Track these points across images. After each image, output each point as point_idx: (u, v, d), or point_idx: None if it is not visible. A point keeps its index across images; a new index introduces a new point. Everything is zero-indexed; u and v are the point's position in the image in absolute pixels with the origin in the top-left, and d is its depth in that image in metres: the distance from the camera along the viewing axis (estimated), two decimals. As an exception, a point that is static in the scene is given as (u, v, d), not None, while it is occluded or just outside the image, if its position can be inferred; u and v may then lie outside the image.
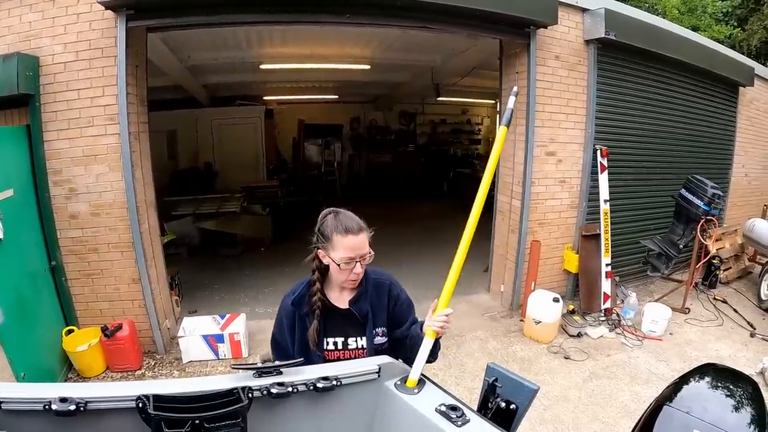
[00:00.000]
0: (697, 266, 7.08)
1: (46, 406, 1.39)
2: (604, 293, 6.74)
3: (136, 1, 4.54)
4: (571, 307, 6.52)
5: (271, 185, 12.53)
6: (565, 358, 5.64)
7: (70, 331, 5.03)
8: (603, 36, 6.25)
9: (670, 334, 6.28)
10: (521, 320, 6.38)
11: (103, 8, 4.55)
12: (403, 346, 2.30)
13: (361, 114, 16.73)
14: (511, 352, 5.75)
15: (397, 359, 2.13)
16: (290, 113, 15.28)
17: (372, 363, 1.95)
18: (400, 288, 2.43)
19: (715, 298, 7.44)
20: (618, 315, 6.61)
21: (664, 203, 7.71)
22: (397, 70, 10.33)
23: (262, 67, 9.05)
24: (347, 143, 16.80)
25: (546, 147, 6.41)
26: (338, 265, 2.14)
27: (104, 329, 4.97)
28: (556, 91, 6.34)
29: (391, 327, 2.37)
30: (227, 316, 5.65)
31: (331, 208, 2.28)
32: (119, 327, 5.03)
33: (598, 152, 6.68)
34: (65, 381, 4.95)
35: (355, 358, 2.28)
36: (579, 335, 6.13)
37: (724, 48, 9.21)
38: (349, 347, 2.33)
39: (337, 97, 14.51)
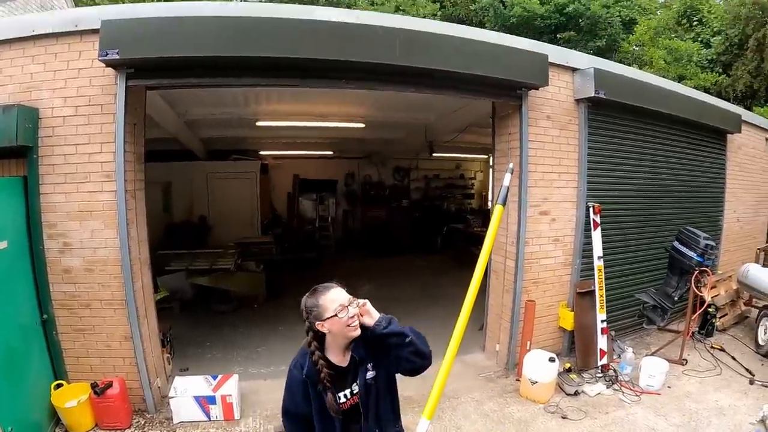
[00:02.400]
0: (693, 317, 7.02)
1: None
2: (601, 349, 6.68)
3: (136, 61, 4.61)
4: (568, 365, 6.48)
5: (265, 241, 12.55)
6: (563, 417, 5.54)
7: (59, 386, 4.94)
8: (593, 95, 6.37)
9: (668, 387, 6.21)
10: (517, 380, 6.27)
11: (104, 65, 4.63)
12: (397, 361, 2.57)
13: (355, 169, 16.90)
14: (507, 414, 5.64)
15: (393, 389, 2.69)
16: (285, 168, 15.46)
17: None
18: None
19: (712, 347, 7.40)
20: (615, 371, 6.53)
21: (657, 255, 7.74)
22: (392, 128, 10.49)
23: (259, 124, 9.18)
24: (342, 198, 16.93)
25: (539, 206, 6.47)
26: (336, 315, 2.45)
27: (94, 386, 4.88)
28: (548, 150, 6.44)
29: (381, 364, 2.65)
30: (219, 377, 5.55)
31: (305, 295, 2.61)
32: (109, 384, 4.93)
33: (591, 209, 6.72)
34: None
35: (358, 401, 2.62)
36: (576, 393, 6.05)
37: (711, 97, 9.41)
38: (354, 392, 2.63)
39: (332, 152, 14.73)
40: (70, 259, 4.93)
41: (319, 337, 2.58)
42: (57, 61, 4.77)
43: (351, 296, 2.53)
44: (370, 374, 2.63)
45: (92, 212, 4.88)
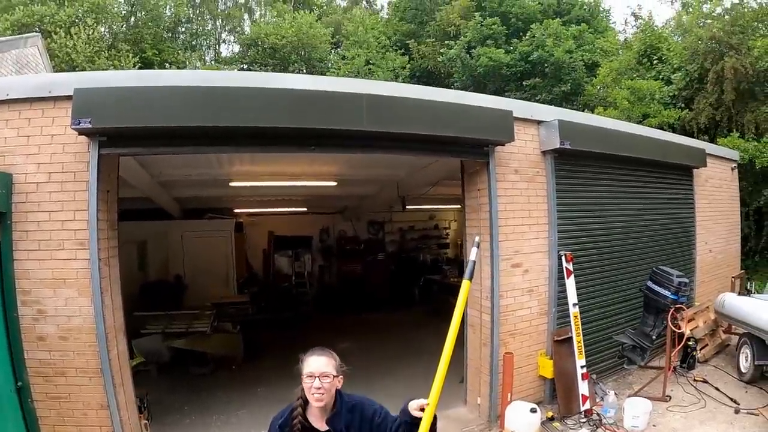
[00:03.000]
0: (674, 352, 7.13)
1: None
2: (582, 395, 6.70)
3: (109, 130, 4.65)
4: (550, 413, 6.51)
5: (241, 301, 12.46)
6: None
7: (35, 458, 4.78)
8: (558, 146, 6.57)
9: (653, 425, 6.25)
10: (501, 432, 6.26)
11: (77, 133, 4.65)
12: None
13: (330, 225, 16.90)
14: (493, 468, 5.60)
15: None
16: (260, 225, 15.47)
17: None
18: (371, 404, 2.83)
19: (695, 380, 7.48)
20: (599, 414, 6.56)
21: (633, 296, 7.85)
22: (363, 185, 10.60)
23: (232, 184, 9.22)
24: (317, 254, 16.86)
25: (511, 259, 6.55)
26: (302, 378, 2.64)
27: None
28: (518, 203, 6.57)
29: None
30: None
31: None
32: (86, 459, 4.80)
33: (563, 258, 6.83)
34: None
35: None
36: None
37: (675, 135, 9.82)
38: None
39: (306, 209, 14.73)
40: (44, 326, 4.83)
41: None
42: (30, 126, 4.78)
43: (335, 374, 2.67)
44: None
45: (66, 280, 4.82)
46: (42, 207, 4.80)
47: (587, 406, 6.66)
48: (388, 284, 15.79)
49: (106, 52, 19.20)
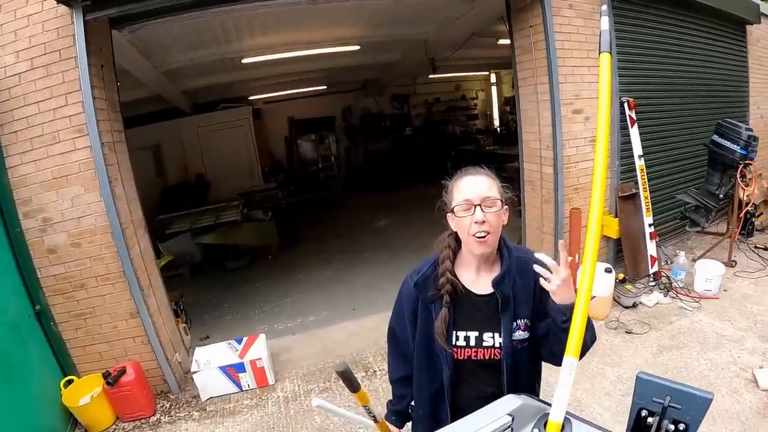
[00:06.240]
0: (741, 214, 6.69)
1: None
2: (651, 256, 6.26)
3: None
4: (621, 276, 6.05)
5: (269, 188, 12.01)
6: (627, 332, 5.17)
7: (69, 382, 4.37)
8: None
9: (725, 290, 5.86)
10: (571, 297, 5.81)
11: (56, 3, 3.87)
12: (546, 342, 1.78)
13: (351, 103, 16.09)
14: (568, 336, 5.19)
15: (539, 360, 1.93)
16: (278, 112, 14.74)
17: (502, 413, 1.44)
18: (530, 256, 1.86)
19: (756, 247, 7.04)
20: (668, 277, 6.13)
21: (694, 153, 7.34)
22: (388, 49, 9.70)
23: (245, 61, 8.38)
24: (342, 135, 16.18)
25: (572, 104, 5.76)
26: (455, 214, 1.76)
27: (106, 376, 4.30)
28: (575, 42, 5.69)
29: (534, 319, 1.83)
30: (244, 339, 5.00)
31: None
32: (123, 371, 4.35)
33: (626, 105, 6.13)
34: (71, 440, 4.32)
35: (490, 358, 1.82)
36: (634, 305, 5.69)
37: None
38: (484, 344, 1.83)
39: (325, 87, 13.89)
40: (53, 236, 4.27)
41: (458, 242, 1.87)
42: (2, 14, 4.03)
43: (500, 189, 1.79)
44: (520, 335, 1.82)
45: (68, 177, 4.19)
46: (28, 99, 4.10)
47: (656, 268, 6.25)
48: (417, 160, 15.15)
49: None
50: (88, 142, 4.10)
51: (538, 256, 1.66)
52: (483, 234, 1.72)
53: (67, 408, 4.29)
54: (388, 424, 2.18)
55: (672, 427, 1.30)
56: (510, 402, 1.49)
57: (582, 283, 1.38)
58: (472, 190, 1.73)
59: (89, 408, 4.29)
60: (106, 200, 4.18)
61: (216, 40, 7.11)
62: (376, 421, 2.08)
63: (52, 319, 4.41)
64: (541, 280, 1.61)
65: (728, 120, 6.51)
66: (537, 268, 1.62)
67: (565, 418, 1.33)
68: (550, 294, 1.61)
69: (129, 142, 4.87)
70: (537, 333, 1.82)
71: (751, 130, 6.33)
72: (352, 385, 1.88)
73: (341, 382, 1.86)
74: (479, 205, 1.70)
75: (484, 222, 1.70)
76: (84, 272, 4.36)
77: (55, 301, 4.39)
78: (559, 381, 1.33)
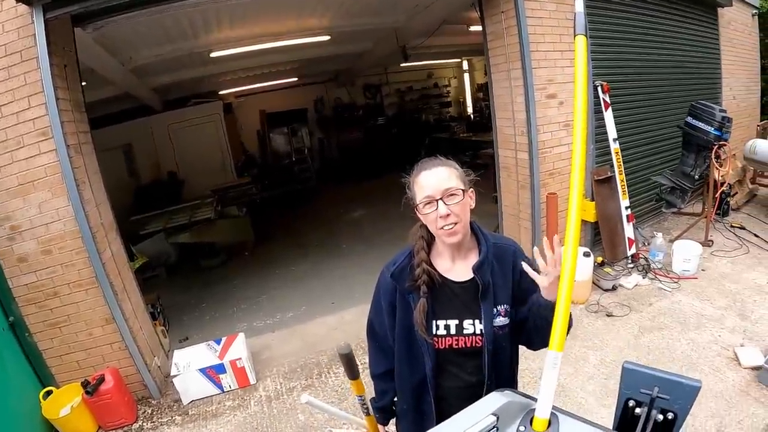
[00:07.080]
0: (716, 194, 6.76)
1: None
2: (629, 238, 6.34)
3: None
4: (600, 259, 6.13)
5: (243, 183, 11.87)
6: (608, 315, 5.22)
7: (48, 393, 4.24)
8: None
9: (703, 270, 5.97)
10: (551, 282, 5.84)
11: (15, 2, 3.72)
12: (524, 328, 1.83)
13: (323, 94, 15.97)
14: (549, 320, 5.22)
15: (517, 346, 1.95)
16: (250, 106, 14.53)
17: (486, 412, 1.39)
18: (524, 255, 1.91)
19: (732, 226, 7.16)
20: (646, 259, 6.23)
21: (668, 135, 7.44)
22: (359, 39, 9.60)
23: (213, 55, 8.19)
24: (314, 127, 16.07)
25: (545, 89, 5.75)
26: (419, 212, 1.77)
27: (85, 385, 4.19)
28: (547, 26, 5.68)
29: (514, 305, 1.85)
30: (223, 340, 4.91)
31: None
32: (101, 379, 4.24)
33: (599, 88, 6.15)
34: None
35: (471, 346, 1.82)
36: (614, 288, 5.75)
37: None
38: (465, 332, 1.83)
39: (296, 79, 13.72)
40: (22, 244, 4.13)
41: (430, 232, 1.85)
42: None
43: (460, 176, 1.78)
44: (501, 321, 1.82)
45: (34, 182, 4.05)
46: (-10, 104, 3.93)
47: (633, 250, 6.35)
48: (391, 149, 15.02)
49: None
50: (53, 145, 3.97)
51: (535, 251, 1.65)
52: (451, 225, 1.71)
53: (47, 420, 4.17)
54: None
55: (660, 417, 1.31)
56: (494, 400, 1.48)
57: (563, 279, 1.37)
58: (431, 186, 1.72)
59: (70, 419, 4.17)
60: (74, 204, 4.05)
61: (183, 35, 6.94)
62: (368, 413, 2.07)
63: (27, 329, 4.28)
64: (534, 275, 1.62)
65: (702, 102, 6.59)
66: (525, 267, 1.66)
67: (552, 413, 1.31)
68: (541, 289, 1.62)
69: (96, 143, 4.71)
70: (516, 318, 1.83)
71: (724, 111, 6.42)
72: (353, 371, 1.90)
73: (341, 365, 1.84)
74: (441, 199, 1.70)
75: (449, 215, 1.70)
76: (56, 279, 4.24)
77: (29, 311, 4.27)
78: (543, 376, 1.31)
